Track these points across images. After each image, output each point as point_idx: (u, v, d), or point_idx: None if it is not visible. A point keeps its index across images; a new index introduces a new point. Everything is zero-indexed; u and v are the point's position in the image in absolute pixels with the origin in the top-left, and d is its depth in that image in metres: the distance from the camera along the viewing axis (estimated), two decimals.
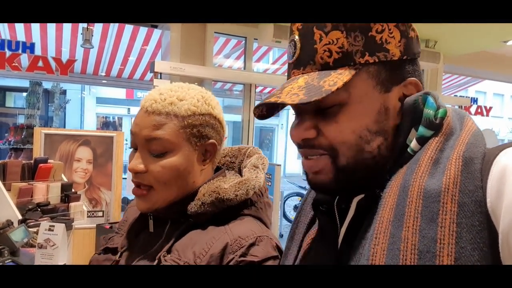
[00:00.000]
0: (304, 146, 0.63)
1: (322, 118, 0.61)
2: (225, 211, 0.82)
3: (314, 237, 0.71)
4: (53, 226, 1.46)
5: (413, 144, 0.59)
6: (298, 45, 0.62)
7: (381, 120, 0.61)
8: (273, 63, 7.50)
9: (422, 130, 0.59)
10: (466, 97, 7.21)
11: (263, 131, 17.43)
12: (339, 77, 0.57)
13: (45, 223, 1.46)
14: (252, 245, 0.78)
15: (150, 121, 0.80)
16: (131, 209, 0.98)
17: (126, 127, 15.18)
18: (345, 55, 0.59)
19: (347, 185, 0.62)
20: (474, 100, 7.10)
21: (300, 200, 7.60)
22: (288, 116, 17.90)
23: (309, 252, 0.70)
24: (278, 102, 0.57)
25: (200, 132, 0.84)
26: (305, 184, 8.13)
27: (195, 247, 0.78)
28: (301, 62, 0.62)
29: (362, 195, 0.63)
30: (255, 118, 4.30)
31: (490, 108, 7.47)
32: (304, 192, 8.18)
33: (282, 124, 18.15)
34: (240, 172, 0.95)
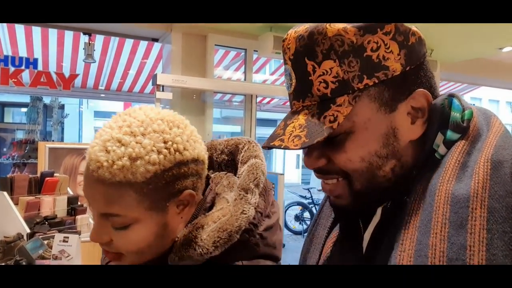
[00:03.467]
0: (319, 172, 0.63)
1: (330, 147, 0.60)
2: (209, 261, 0.67)
3: (335, 241, 0.70)
4: (67, 237, 1.48)
5: (441, 148, 0.58)
6: (293, 76, 0.60)
7: (391, 143, 0.59)
8: (272, 74, 7.57)
9: (449, 133, 0.57)
10: None
11: (261, 141, 17.42)
12: (340, 110, 0.56)
13: (59, 235, 1.49)
14: None
15: (100, 193, 0.63)
16: None
17: None
18: (341, 83, 0.56)
19: (365, 206, 0.62)
20: None
21: (301, 210, 7.60)
22: None
23: (332, 257, 0.69)
24: (282, 147, 0.57)
25: (168, 192, 0.66)
26: (306, 193, 8.15)
27: None
28: (299, 94, 0.60)
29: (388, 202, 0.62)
30: (256, 129, 4.32)
31: None
32: (305, 201, 8.11)
33: None
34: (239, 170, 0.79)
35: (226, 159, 0.83)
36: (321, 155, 0.61)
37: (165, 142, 0.65)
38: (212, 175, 0.80)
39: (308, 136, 0.56)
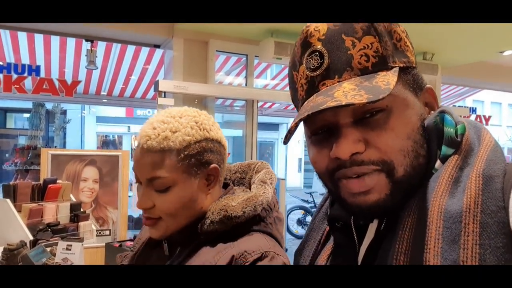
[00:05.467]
0: (352, 164, 0.57)
1: (368, 129, 0.57)
2: (234, 228, 0.82)
3: (329, 254, 0.69)
4: (71, 245, 1.49)
5: (437, 164, 0.58)
6: (326, 54, 0.59)
7: (423, 124, 0.60)
8: (273, 78, 7.59)
9: (444, 149, 0.58)
10: (465, 107, 7.29)
11: (263, 145, 17.46)
12: (387, 78, 0.55)
13: (62, 243, 1.50)
14: (257, 260, 0.78)
15: (148, 160, 0.81)
16: (146, 228, 0.99)
17: (127, 145, 15.23)
18: (381, 59, 0.58)
19: (402, 199, 0.57)
20: (473, 110, 7.17)
21: (304, 214, 7.59)
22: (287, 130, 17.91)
23: None
24: (344, 104, 0.51)
25: (199, 161, 0.83)
26: (308, 197, 8.14)
27: (203, 261, 0.80)
28: (335, 70, 0.58)
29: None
30: (258, 133, 4.32)
31: (489, 117, 7.53)
32: (307, 205, 8.04)
33: (282, 138, 18.17)
34: (250, 188, 0.95)
35: (239, 177, 0.99)
36: (360, 137, 0.56)
37: (196, 122, 0.85)
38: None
39: (369, 93, 0.52)
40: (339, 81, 0.58)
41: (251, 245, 0.80)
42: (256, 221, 0.85)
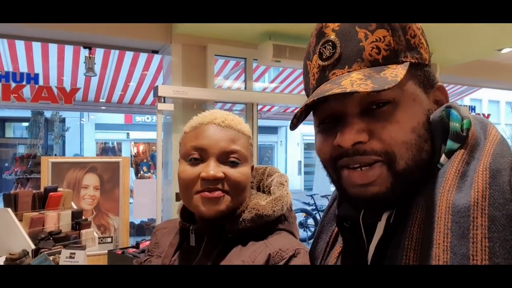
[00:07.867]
0: (355, 153, 0.58)
1: (373, 120, 0.57)
2: (262, 227, 0.87)
3: (339, 254, 0.70)
4: (74, 253, 1.48)
5: (442, 158, 0.58)
6: (338, 44, 0.60)
7: (429, 120, 0.60)
8: (271, 81, 7.58)
9: (449, 143, 0.58)
10: (464, 105, 7.29)
11: (263, 148, 17.46)
12: (396, 71, 0.56)
13: (65, 251, 1.48)
14: (292, 257, 0.82)
15: (227, 134, 0.88)
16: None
17: (126, 152, 15.21)
18: (392, 52, 0.59)
19: (403, 192, 0.58)
20: (472, 108, 7.18)
21: (305, 217, 7.57)
22: (286, 133, 17.95)
23: None
24: (348, 91, 0.53)
25: (252, 152, 0.94)
26: (309, 200, 8.12)
27: (238, 262, 0.82)
28: (346, 60, 0.60)
29: (391, 211, 0.61)
30: (258, 136, 4.31)
31: (489, 115, 7.56)
32: (308, 208, 8.01)
33: (281, 141, 18.21)
34: (259, 191, 1.00)
35: (254, 182, 1.02)
36: (364, 128, 0.57)
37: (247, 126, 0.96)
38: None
39: (375, 83, 0.53)
40: (348, 71, 0.59)
41: (284, 244, 0.85)
42: (281, 220, 0.91)
